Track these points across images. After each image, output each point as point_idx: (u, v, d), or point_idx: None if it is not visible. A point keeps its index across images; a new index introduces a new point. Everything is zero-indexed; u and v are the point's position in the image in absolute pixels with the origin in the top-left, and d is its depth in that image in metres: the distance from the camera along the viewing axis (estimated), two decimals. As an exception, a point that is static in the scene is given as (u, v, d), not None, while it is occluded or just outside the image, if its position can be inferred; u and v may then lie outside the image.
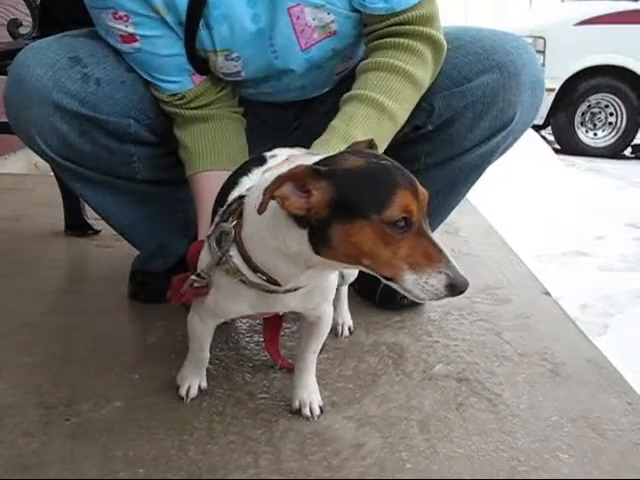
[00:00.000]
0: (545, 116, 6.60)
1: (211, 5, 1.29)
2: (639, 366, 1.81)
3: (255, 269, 1.03)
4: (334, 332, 1.51)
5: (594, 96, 6.73)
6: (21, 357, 1.40)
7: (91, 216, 2.17)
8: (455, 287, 0.90)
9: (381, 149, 1.25)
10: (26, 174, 3.53)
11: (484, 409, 1.25)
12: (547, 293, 1.82)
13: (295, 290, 1.07)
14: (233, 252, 1.05)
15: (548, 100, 6.45)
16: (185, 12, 1.29)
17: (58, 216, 2.25)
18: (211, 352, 1.28)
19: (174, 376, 1.28)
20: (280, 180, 0.91)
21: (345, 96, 1.32)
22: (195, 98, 1.40)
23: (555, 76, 6.46)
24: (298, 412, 1.22)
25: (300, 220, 0.94)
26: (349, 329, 1.53)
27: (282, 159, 1.08)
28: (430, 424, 1.20)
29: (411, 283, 0.91)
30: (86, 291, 1.80)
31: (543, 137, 6.51)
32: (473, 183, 1.58)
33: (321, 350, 1.26)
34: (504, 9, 14.47)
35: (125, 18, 1.31)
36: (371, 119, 1.25)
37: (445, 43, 1.37)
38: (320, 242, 0.93)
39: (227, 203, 1.08)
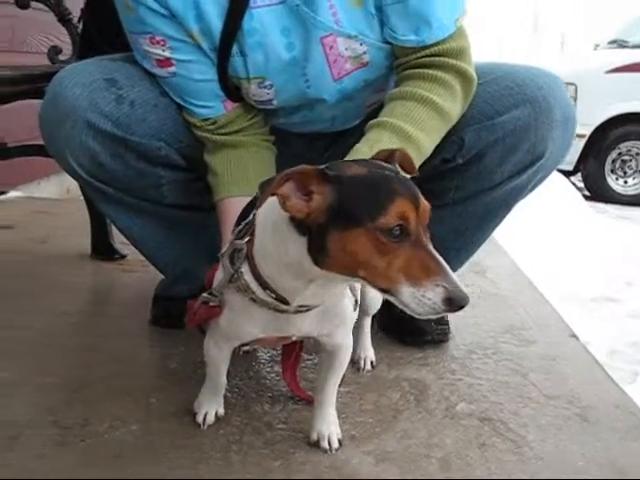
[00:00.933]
0: (575, 162, 6.56)
1: (246, 33, 1.30)
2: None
3: (265, 286, 1.02)
4: (356, 366, 1.49)
5: (625, 143, 6.67)
6: (40, 377, 1.40)
7: (118, 241, 2.18)
8: (453, 301, 0.87)
9: None
10: (57, 199, 3.58)
11: (507, 450, 1.22)
12: (574, 336, 1.78)
13: (306, 311, 1.05)
14: (244, 269, 1.04)
15: (578, 146, 6.41)
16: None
17: (85, 240, 2.27)
18: (231, 381, 1.27)
19: (192, 402, 1.27)
20: (285, 176, 0.90)
21: (370, 123, 1.32)
22: (227, 124, 1.41)
23: (586, 123, 6.43)
24: (316, 444, 1.19)
25: (300, 226, 0.93)
26: (371, 363, 1.51)
27: None
28: (451, 462, 1.17)
29: (408, 296, 0.88)
30: (109, 314, 1.80)
31: (573, 184, 6.46)
32: (501, 219, 1.56)
33: (341, 383, 1.24)
34: (536, 56, 14.55)
35: (162, 43, 1.33)
36: (395, 146, 1.25)
37: (475, 77, 1.37)
38: (318, 251, 0.92)
39: (244, 222, 1.08)
